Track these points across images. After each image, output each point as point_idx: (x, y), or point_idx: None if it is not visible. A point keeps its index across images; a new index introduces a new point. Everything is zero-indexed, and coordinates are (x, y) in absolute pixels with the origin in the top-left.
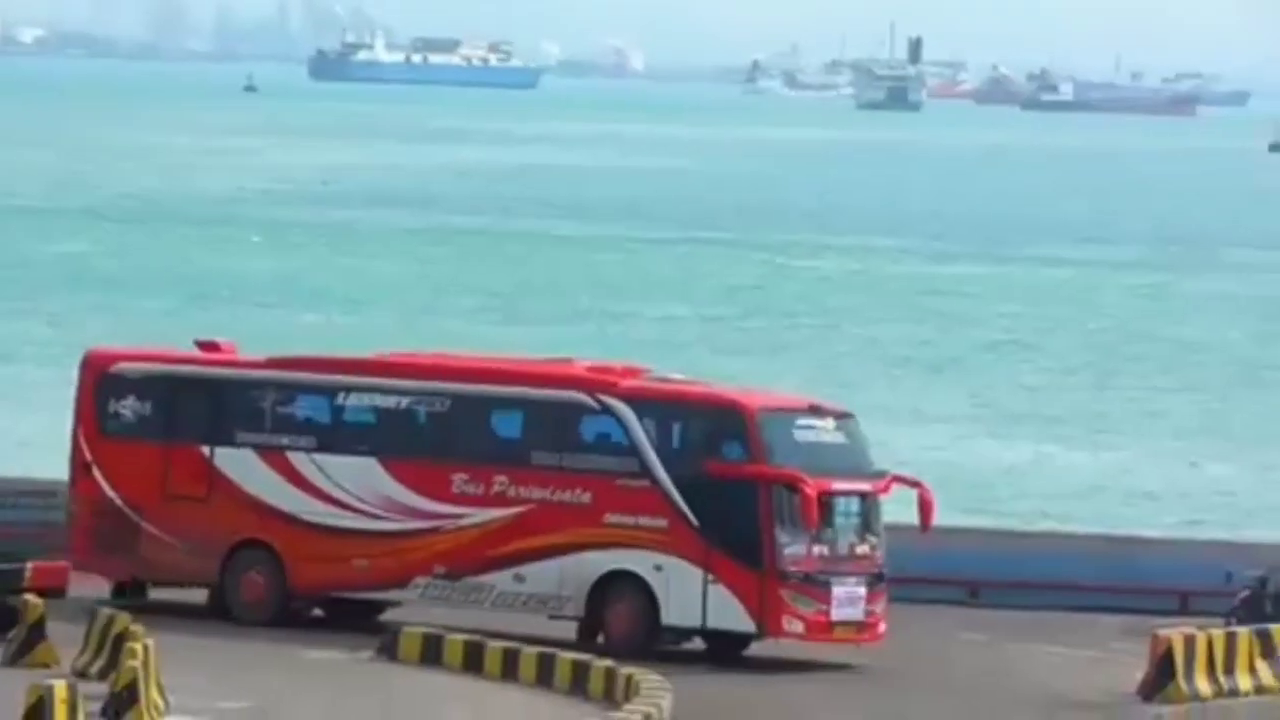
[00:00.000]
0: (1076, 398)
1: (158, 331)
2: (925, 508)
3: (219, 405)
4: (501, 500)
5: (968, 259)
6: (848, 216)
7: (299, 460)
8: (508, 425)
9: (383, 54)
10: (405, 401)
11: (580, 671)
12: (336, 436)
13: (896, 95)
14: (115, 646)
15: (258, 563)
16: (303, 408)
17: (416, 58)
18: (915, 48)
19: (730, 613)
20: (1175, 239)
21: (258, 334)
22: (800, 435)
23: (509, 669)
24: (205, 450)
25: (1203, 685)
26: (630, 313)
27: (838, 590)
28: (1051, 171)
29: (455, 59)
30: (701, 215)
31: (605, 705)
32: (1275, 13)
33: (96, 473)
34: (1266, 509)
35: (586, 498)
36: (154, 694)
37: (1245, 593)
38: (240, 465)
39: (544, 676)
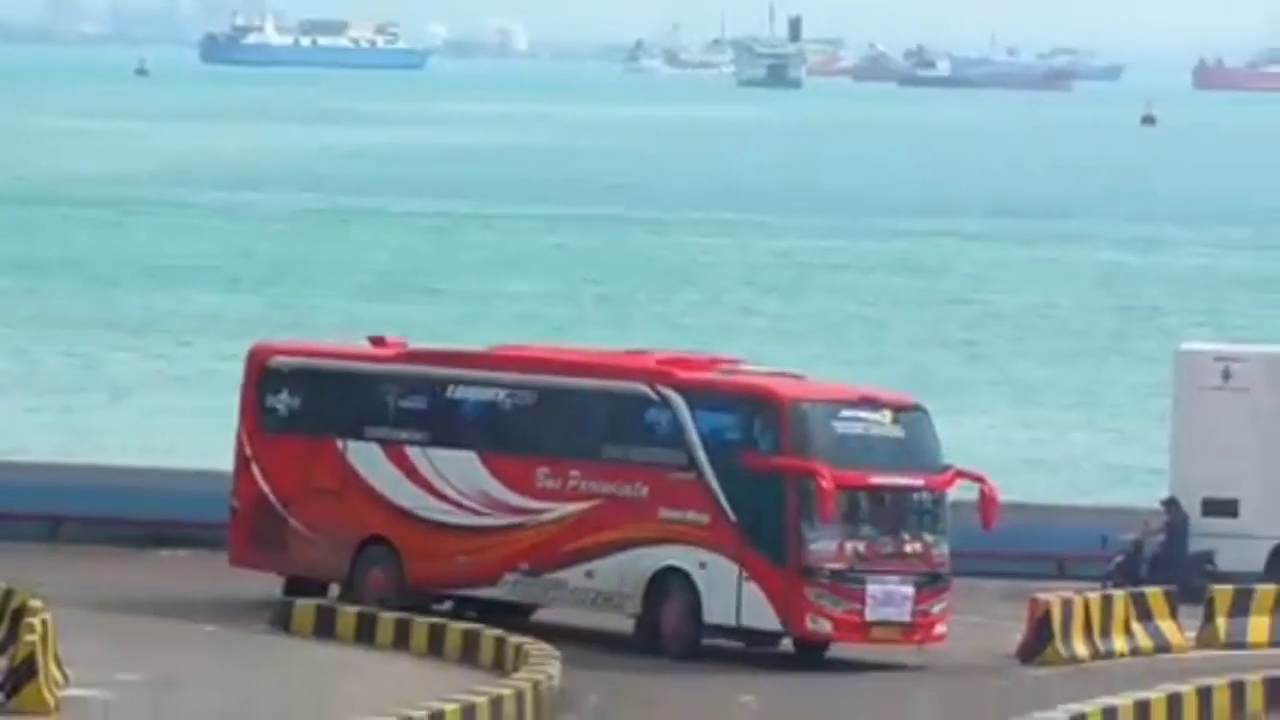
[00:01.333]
0: (947, 367)
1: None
2: (987, 503)
3: (351, 399)
4: (576, 495)
5: (843, 233)
6: (726, 192)
7: (414, 455)
8: (581, 418)
9: (272, 36)
10: (499, 395)
11: (470, 641)
12: (444, 431)
13: (777, 73)
14: (13, 621)
15: (381, 559)
16: (417, 401)
17: (305, 40)
18: (795, 26)
19: (760, 611)
20: (1046, 212)
21: (130, 314)
22: (841, 427)
23: (400, 639)
24: (339, 444)
25: (1080, 647)
26: (509, 290)
27: (874, 589)
28: (928, 147)
29: (343, 41)
30: (585, 192)
31: (495, 673)
32: None
33: (255, 468)
34: (1138, 474)
35: (644, 492)
36: (52, 667)
37: (1120, 557)
38: (368, 460)
39: (434, 646)
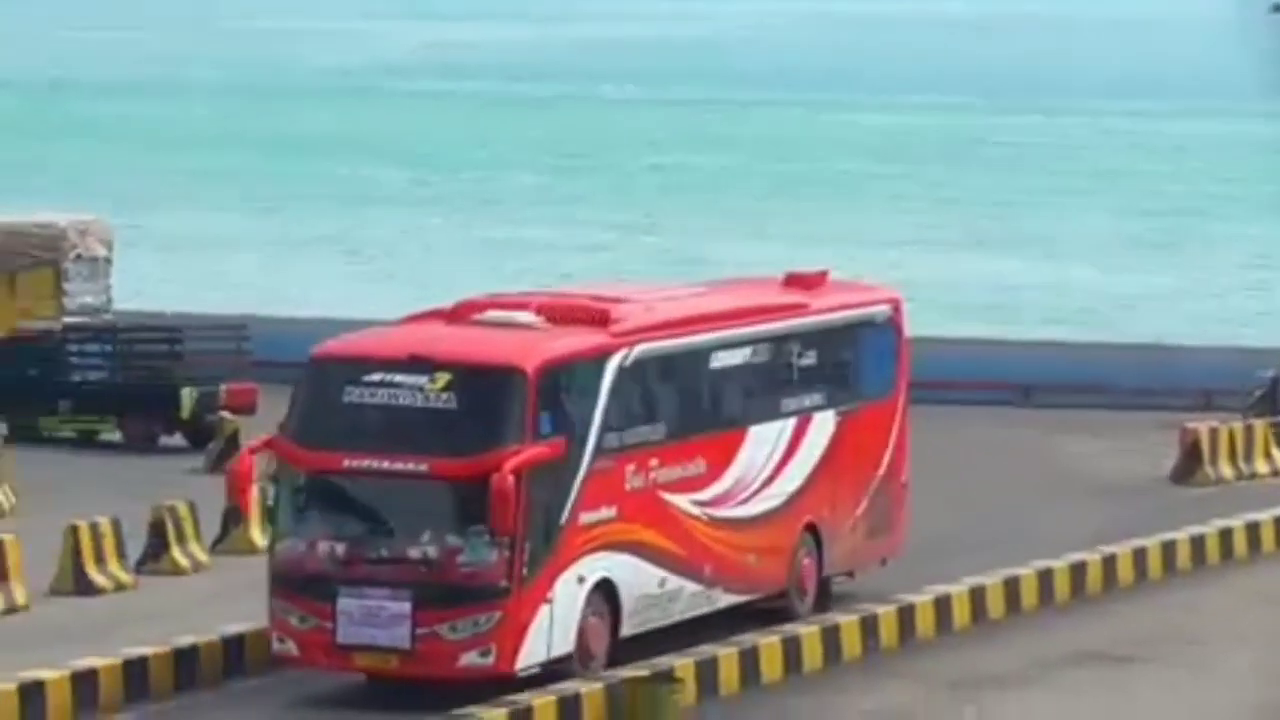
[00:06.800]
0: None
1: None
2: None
3: None
4: None
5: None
6: (878, 77)
7: None
8: None
9: None
10: None
11: None
12: None
13: None
14: None
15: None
16: None
17: None
18: None
19: None
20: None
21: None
22: (354, 394)
23: None
24: None
25: (1226, 470)
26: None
27: (347, 603)
28: (1074, 37)
29: None
30: (751, 78)
31: None
32: None
33: None
34: (1260, 317)
35: None
36: None
37: (1259, 391)
38: None
39: None
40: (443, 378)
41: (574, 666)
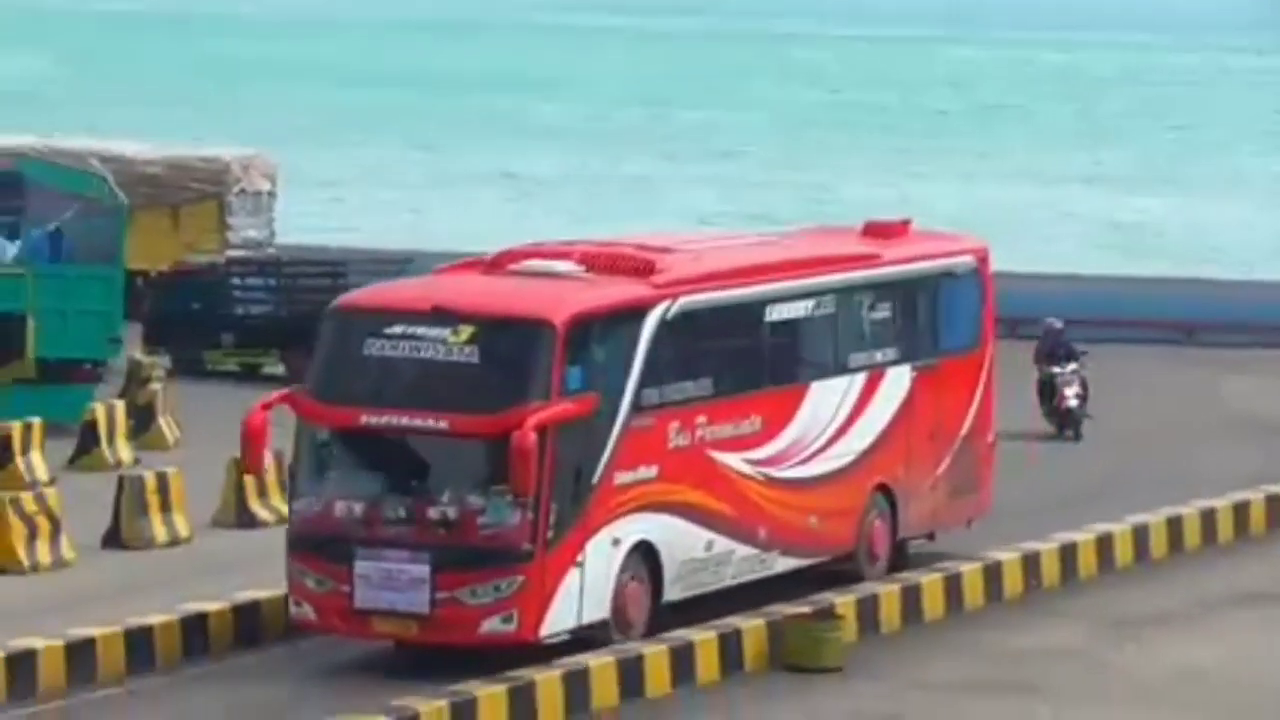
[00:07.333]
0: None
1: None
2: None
3: None
4: None
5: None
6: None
7: None
8: None
9: None
10: None
11: None
12: None
13: None
14: None
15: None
16: None
17: None
18: None
19: None
20: None
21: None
22: (374, 346)
23: None
24: None
25: None
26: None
27: (365, 566)
28: None
29: None
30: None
31: None
32: None
33: None
34: None
35: None
36: None
37: None
38: None
39: None
40: (466, 330)
41: (610, 633)
